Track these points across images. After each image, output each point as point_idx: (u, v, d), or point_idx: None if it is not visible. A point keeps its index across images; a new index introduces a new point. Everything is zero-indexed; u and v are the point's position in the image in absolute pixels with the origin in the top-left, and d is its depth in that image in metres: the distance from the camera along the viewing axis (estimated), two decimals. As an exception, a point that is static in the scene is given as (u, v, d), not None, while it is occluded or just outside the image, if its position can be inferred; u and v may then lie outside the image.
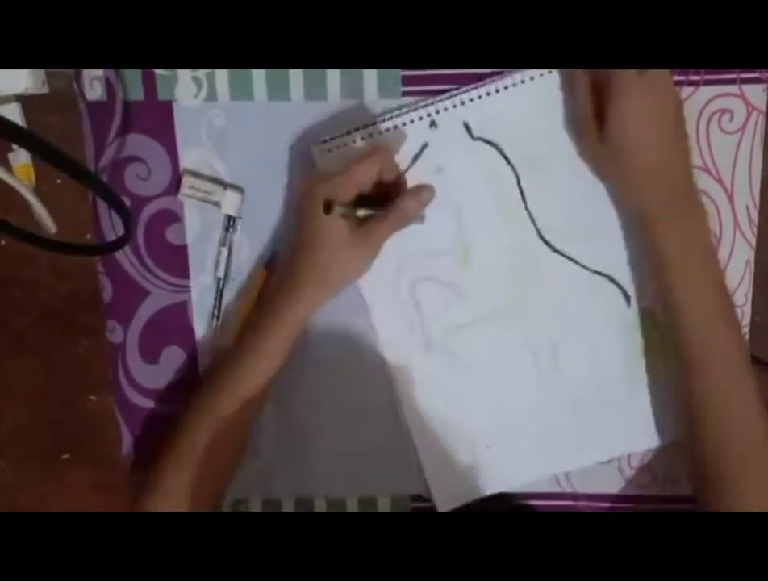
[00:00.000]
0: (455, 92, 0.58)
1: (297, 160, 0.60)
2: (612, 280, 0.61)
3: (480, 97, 0.58)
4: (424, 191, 0.55)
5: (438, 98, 0.58)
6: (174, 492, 0.56)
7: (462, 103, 0.58)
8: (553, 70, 0.57)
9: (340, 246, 0.54)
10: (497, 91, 0.58)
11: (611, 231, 0.60)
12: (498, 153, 0.59)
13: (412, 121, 0.58)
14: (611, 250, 0.60)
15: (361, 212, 0.54)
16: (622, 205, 0.59)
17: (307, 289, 0.55)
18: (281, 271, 0.59)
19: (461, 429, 0.62)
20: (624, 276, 0.60)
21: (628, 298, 0.61)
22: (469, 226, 0.60)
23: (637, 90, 0.52)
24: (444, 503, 0.63)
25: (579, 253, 0.60)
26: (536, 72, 0.57)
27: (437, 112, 0.58)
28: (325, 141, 0.58)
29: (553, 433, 0.62)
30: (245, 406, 0.57)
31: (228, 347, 0.61)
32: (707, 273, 0.55)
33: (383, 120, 0.58)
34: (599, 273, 0.60)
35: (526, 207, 0.60)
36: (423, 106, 0.58)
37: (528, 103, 0.58)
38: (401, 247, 0.59)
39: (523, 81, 0.58)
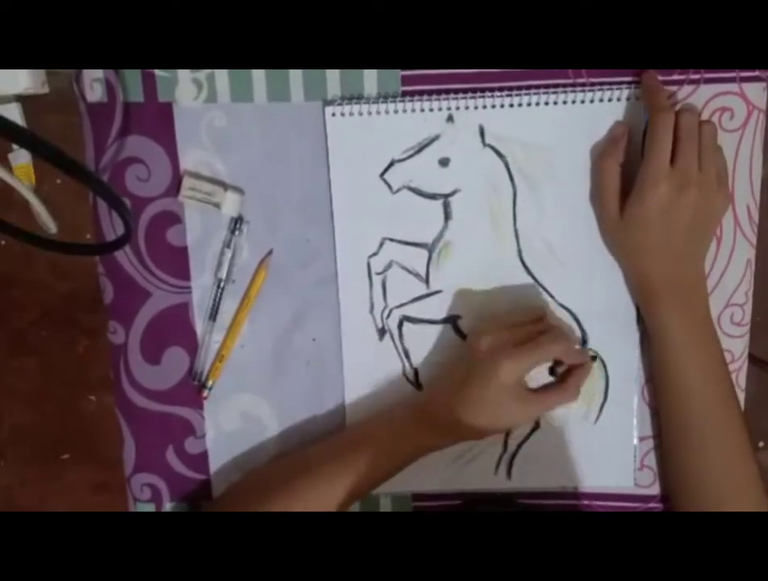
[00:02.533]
0: (480, 94, 0.58)
1: (297, 161, 0.60)
2: (574, 317, 0.61)
3: (503, 106, 0.58)
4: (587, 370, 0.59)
5: (462, 95, 0.58)
6: None
7: (484, 107, 0.58)
8: (578, 101, 0.57)
9: (500, 408, 0.56)
10: (520, 105, 0.58)
11: (586, 271, 0.60)
12: (503, 166, 0.59)
13: (431, 110, 0.58)
14: (581, 288, 0.61)
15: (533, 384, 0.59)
16: (627, 279, 0.60)
17: (457, 431, 0.57)
18: (424, 404, 0.59)
19: None
20: (586, 317, 0.61)
21: (585, 338, 0.61)
22: (456, 225, 0.60)
23: (666, 182, 0.53)
24: None
25: (551, 283, 0.61)
26: (563, 98, 0.57)
27: (457, 109, 0.58)
28: (339, 103, 0.58)
29: (479, 452, 0.63)
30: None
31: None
32: (707, 353, 0.57)
33: (402, 101, 0.58)
34: (563, 307, 0.61)
35: (515, 225, 0.60)
36: (446, 99, 0.58)
37: (547, 126, 0.58)
38: (384, 226, 0.60)
39: (547, 104, 0.57)
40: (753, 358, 0.63)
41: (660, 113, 0.54)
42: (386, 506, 0.65)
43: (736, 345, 0.61)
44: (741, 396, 0.62)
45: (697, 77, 0.57)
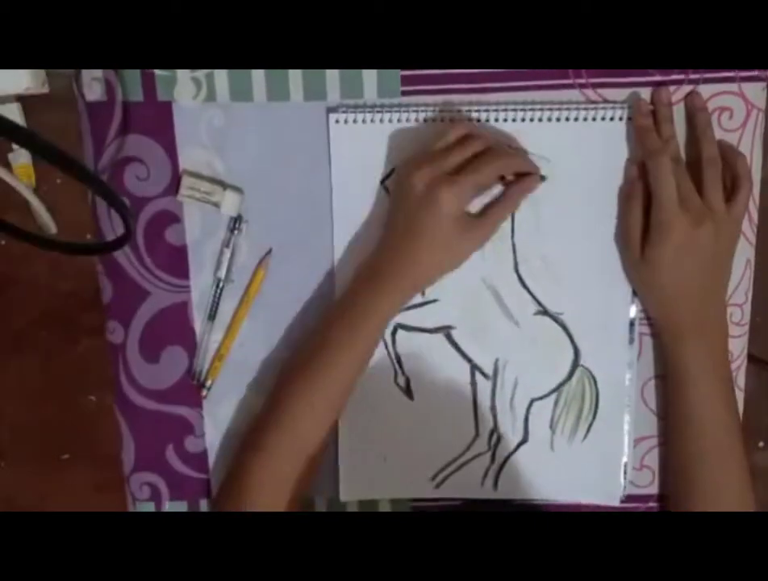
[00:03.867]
0: (484, 108, 0.58)
1: (296, 161, 0.60)
2: (567, 331, 0.61)
3: (506, 120, 0.58)
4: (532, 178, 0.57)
5: (466, 107, 0.58)
6: (277, 452, 0.57)
7: (487, 120, 0.58)
8: (581, 118, 0.57)
9: (450, 240, 0.55)
10: (523, 120, 0.58)
11: (581, 288, 0.61)
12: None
13: (434, 121, 0.58)
14: (575, 305, 0.61)
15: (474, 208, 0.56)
16: (648, 313, 0.61)
17: (407, 281, 0.56)
18: (371, 265, 0.58)
19: (380, 429, 0.63)
20: (579, 333, 0.61)
21: (577, 353, 0.61)
22: None
23: (679, 223, 0.54)
24: (346, 493, 0.64)
25: (545, 297, 0.61)
26: (566, 114, 0.57)
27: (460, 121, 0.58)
28: (344, 111, 0.58)
29: (465, 461, 0.63)
30: (337, 395, 0.57)
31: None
32: (720, 390, 0.58)
33: (407, 110, 0.58)
34: (557, 321, 0.61)
35: (512, 238, 0.60)
36: (449, 111, 0.58)
37: (549, 142, 0.58)
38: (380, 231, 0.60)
39: (549, 120, 0.57)
40: (752, 358, 0.63)
41: (655, 157, 0.55)
42: (384, 506, 0.65)
43: (735, 345, 0.61)
44: (741, 396, 0.62)
45: (696, 76, 0.57)
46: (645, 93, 0.58)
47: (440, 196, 0.53)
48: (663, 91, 0.57)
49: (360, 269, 0.59)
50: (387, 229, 0.58)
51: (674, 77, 0.57)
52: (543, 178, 0.58)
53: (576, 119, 0.57)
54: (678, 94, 0.58)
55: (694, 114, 0.57)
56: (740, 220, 0.57)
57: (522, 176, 0.57)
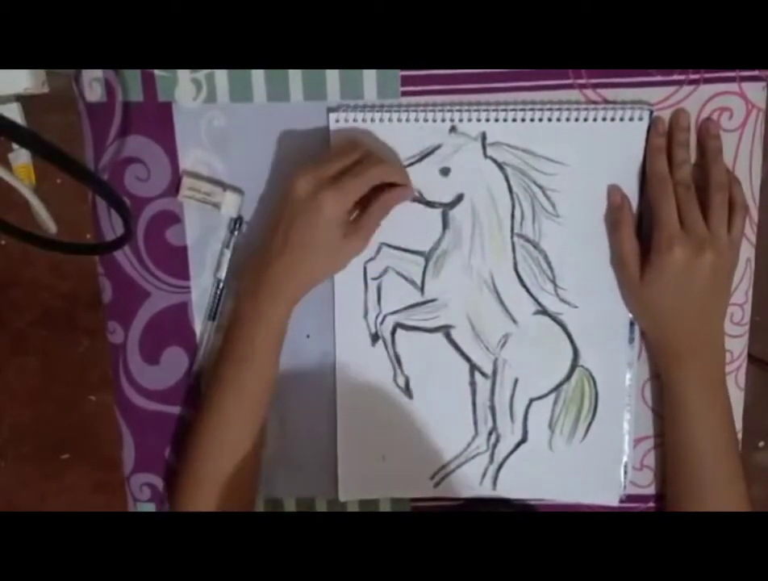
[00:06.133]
0: (484, 107, 0.58)
1: (296, 162, 0.60)
2: (567, 333, 0.61)
3: (506, 120, 0.58)
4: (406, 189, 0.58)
5: (466, 107, 0.58)
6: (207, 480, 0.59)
7: (487, 120, 0.58)
8: (581, 118, 0.57)
9: (333, 245, 0.55)
10: (523, 120, 0.58)
11: (581, 287, 0.61)
12: (503, 178, 0.59)
13: (434, 120, 0.58)
14: (575, 304, 0.61)
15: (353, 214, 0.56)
16: (647, 338, 0.61)
17: (292, 285, 0.56)
18: (259, 270, 0.57)
19: (379, 429, 0.63)
20: (579, 333, 0.61)
21: (576, 353, 0.61)
22: (453, 234, 0.60)
23: (680, 248, 0.54)
24: (345, 493, 0.64)
25: (545, 297, 0.61)
26: (566, 115, 0.57)
27: (461, 120, 0.58)
28: (344, 110, 0.58)
29: (464, 460, 0.63)
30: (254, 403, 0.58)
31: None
32: (718, 412, 0.58)
33: (406, 111, 0.58)
34: (556, 321, 0.61)
35: (512, 237, 0.60)
36: (449, 110, 0.58)
37: (549, 141, 0.58)
38: (382, 232, 0.60)
39: (550, 120, 0.57)
40: (752, 358, 0.64)
41: (659, 181, 0.56)
42: (385, 506, 0.65)
43: (735, 345, 0.61)
44: (741, 396, 0.62)
45: (697, 76, 0.57)
46: (645, 93, 0.58)
47: (323, 200, 0.53)
48: (683, 114, 0.57)
49: (245, 273, 0.59)
50: (270, 235, 0.56)
51: (675, 77, 0.57)
52: (418, 193, 0.59)
53: (585, 120, 0.57)
54: (678, 94, 0.58)
55: (707, 140, 0.57)
56: (738, 246, 0.57)
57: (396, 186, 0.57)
